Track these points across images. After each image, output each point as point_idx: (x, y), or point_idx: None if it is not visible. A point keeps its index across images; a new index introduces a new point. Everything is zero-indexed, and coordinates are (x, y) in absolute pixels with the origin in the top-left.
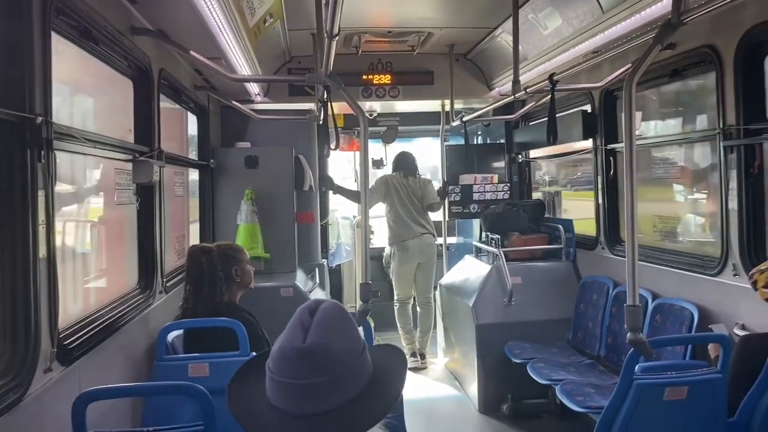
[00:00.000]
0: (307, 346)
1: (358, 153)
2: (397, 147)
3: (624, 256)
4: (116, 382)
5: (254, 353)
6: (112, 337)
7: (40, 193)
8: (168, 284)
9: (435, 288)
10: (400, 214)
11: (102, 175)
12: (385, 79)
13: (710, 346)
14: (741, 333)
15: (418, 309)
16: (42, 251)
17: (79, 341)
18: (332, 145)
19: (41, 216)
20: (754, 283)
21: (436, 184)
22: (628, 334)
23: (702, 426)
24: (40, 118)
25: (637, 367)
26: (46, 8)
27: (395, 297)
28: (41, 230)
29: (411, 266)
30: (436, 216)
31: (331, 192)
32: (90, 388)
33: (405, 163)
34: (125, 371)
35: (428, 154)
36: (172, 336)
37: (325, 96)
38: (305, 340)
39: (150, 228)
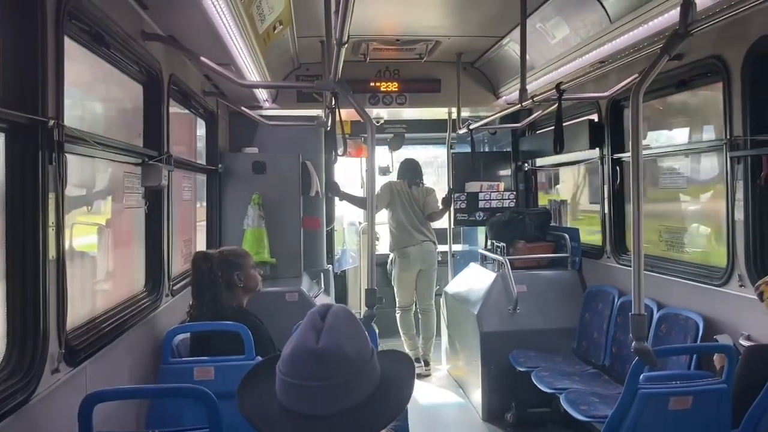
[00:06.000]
0: (321, 348)
1: (364, 159)
2: (403, 154)
3: (630, 266)
4: (122, 384)
5: (260, 357)
6: (119, 339)
7: (51, 196)
8: (175, 288)
9: (437, 295)
10: (402, 221)
11: (111, 178)
12: (393, 86)
13: (715, 357)
14: (746, 344)
15: (419, 316)
16: (51, 253)
17: (86, 343)
18: (339, 152)
19: (51, 218)
20: (761, 294)
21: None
22: (633, 343)
23: None
24: (52, 121)
25: (641, 376)
26: (59, 12)
27: (397, 304)
28: (51, 232)
29: (412, 273)
30: (441, 223)
31: (337, 198)
32: (97, 390)
33: (409, 171)
34: (131, 374)
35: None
36: (178, 340)
37: (334, 102)
38: (318, 342)
39: (158, 232)
